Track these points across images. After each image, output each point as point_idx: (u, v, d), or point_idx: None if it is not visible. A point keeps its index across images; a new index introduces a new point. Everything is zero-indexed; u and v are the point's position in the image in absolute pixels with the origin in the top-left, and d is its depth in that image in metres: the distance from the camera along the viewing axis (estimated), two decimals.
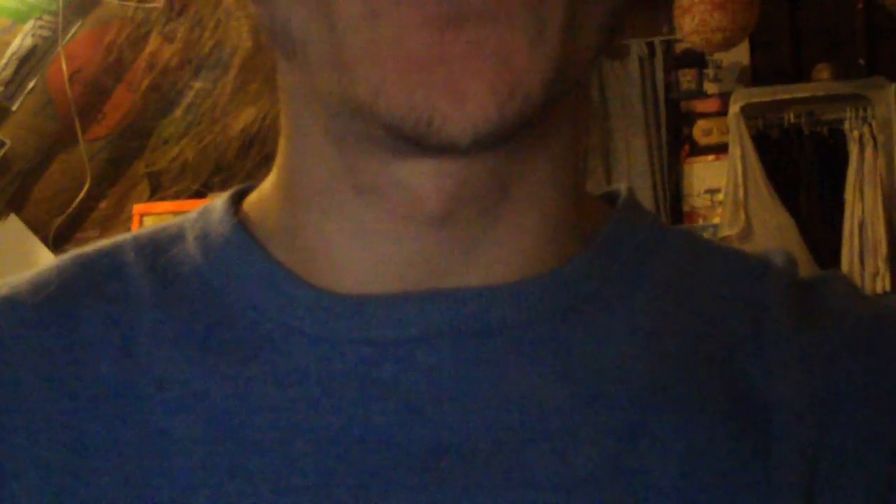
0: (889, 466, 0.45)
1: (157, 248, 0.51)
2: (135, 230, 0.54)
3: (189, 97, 3.13)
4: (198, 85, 3.09)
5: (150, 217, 2.79)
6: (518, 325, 0.47)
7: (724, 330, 0.49)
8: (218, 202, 0.53)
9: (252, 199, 0.53)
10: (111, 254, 0.52)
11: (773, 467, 0.45)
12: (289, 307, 0.47)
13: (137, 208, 2.85)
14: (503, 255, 0.47)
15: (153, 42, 3.02)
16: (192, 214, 0.53)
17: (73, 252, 0.53)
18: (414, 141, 0.40)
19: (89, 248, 0.53)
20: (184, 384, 0.47)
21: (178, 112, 3.17)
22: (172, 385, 0.47)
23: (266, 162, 0.53)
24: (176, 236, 0.52)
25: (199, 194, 3.03)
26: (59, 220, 2.94)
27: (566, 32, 0.40)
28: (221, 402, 0.46)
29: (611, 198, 0.54)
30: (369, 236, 0.47)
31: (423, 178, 0.44)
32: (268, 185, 0.52)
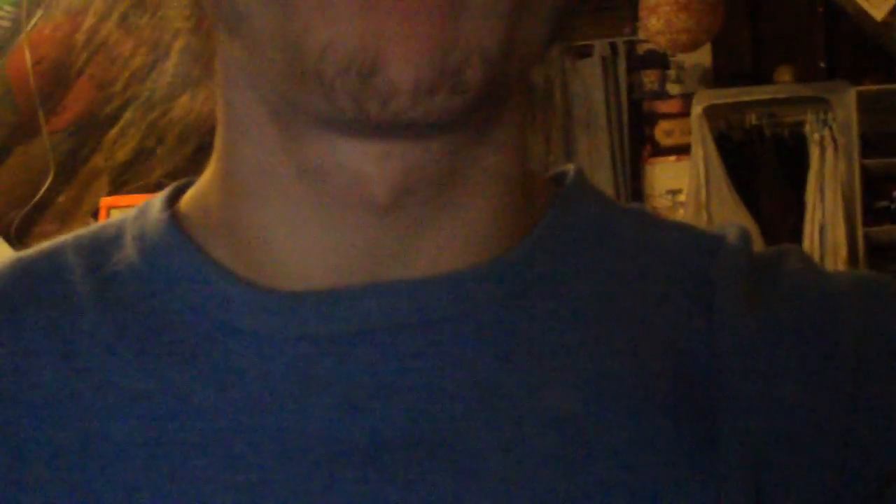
0: (841, 454, 0.45)
1: (97, 248, 0.51)
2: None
3: (147, 86, 3.11)
4: (154, 73, 3.07)
5: (117, 210, 2.77)
6: (458, 315, 0.46)
7: (673, 311, 0.48)
8: (156, 200, 0.52)
9: (189, 194, 0.52)
10: (52, 256, 0.51)
11: (719, 456, 0.44)
12: (225, 306, 0.47)
13: (105, 201, 2.83)
14: (446, 245, 0.47)
15: (113, 34, 3.00)
16: (132, 213, 0.52)
17: (14, 256, 0.52)
18: (356, 97, 0.40)
19: (31, 250, 0.52)
20: (123, 387, 0.46)
21: (136, 103, 3.15)
22: (112, 389, 0.46)
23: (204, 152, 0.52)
24: (115, 236, 0.51)
25: (162, 187, 3.02)
26: (20, 214, 2.91)
27: (515, 14, 0.41)
28: (161, 405, 0.45)
29: (560, 179, 0.54)
30: (309, 225, 0.46)
31: (368, 161, 0.44)
32: (206, 178, 0.52)
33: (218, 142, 0.50)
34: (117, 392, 0.46)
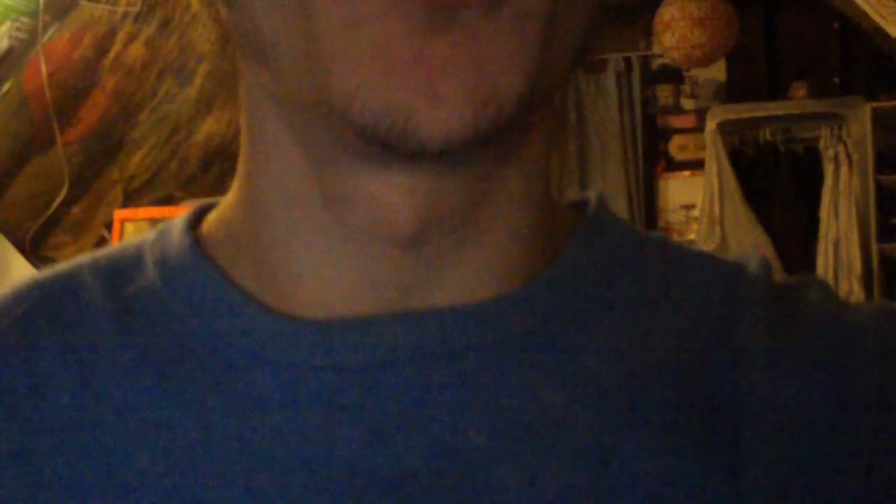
0: (863, 485, 0.45)
1: (116, 271, 0.50)
2: (114, 239, 0.52)
3: (165, 104, 3.12)
4: (174, 91, 3.08)
5: (131, 223, 2.77)
6: (483, 346, 0.46)
7: (696, 341, 0.48)
8: (177, 222, 0.52)
9: (212, 217, 0.52)
10: (69, 278, 0.50)
11: (744, 488, 0.44)
12: (250, 334, 0.46)
13: (118, 213, 2.83)
14: (471, 274, 0.46)
15: (130, 47, 3.01)
16: (151, 235, 0.52)
17: (31, 277, 0.52)
18: (386, 145, 0.39)
19: (47, 271, 0.52)
20: (144, 415, 0.45)
21: (153, 119, 3.16)
22: (133, 416, 0.45)
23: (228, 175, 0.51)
24: (135, 260, 0.50)
25: (173, 200, 3.02)
26: (35, 224, 2.92)
27: (544, 48, 0.40)
28: (183, 433, 0.45)
29: (582, 206, 0.53)
30: (334, 254, 0.46)
31: (394, 192, 0.43)
32: (229, 201, 0.51)
33: (241, 166, 0.49)
34: (138, 419, 0.45)
